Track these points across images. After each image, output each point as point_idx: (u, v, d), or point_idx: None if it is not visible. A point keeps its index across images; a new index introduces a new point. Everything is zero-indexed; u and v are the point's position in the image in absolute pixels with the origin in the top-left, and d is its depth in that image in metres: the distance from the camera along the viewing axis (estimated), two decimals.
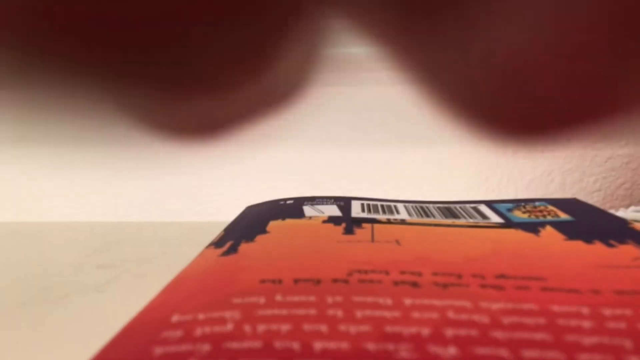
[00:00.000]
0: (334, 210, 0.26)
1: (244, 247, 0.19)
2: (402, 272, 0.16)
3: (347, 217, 0.24)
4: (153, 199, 0.43)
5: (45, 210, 0.44)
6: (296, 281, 0.15)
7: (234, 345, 0.11)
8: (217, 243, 0.21)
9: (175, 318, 0.13)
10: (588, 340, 0.11)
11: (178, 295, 0.15)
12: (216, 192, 0.44)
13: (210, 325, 0.13)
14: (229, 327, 0.12)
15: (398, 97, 0.40)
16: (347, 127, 0.41)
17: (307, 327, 0.12)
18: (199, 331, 0.12)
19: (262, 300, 0.14)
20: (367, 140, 0.41)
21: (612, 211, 0.26)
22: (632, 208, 0.29)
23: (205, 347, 0.11)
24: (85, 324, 0.19)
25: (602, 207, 0.31)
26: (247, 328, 0.12)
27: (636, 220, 0.23)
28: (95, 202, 0.44)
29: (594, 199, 0.36)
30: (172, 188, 0.43)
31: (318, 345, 0.11)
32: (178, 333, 0.12)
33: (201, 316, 0.13)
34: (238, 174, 0.43)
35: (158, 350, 0.12)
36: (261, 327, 0.12)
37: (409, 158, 0.41)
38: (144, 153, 0.43)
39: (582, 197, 0.39)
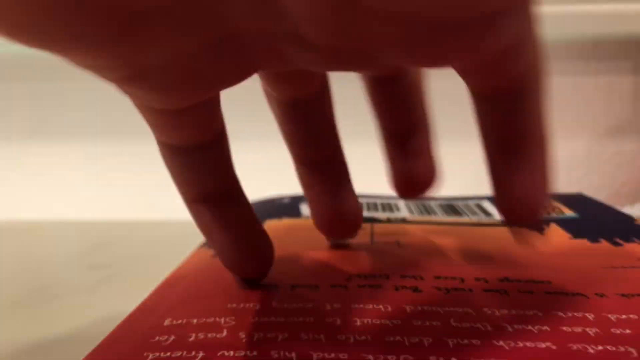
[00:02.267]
0: None
1: None
2: (403, 276, 0.16)
3: None
4: (145, 197, 0.43)
5: (35, 208, 0.43)
6: (293, 287, 0.15)
7: (230, 353, 0.11)
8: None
9: (167, 321, 0.13)
10: (593, 349, 0.11)
11: (170, 298, 0.15)
12: None
13: (204, 331, 0.12)
14: (224, 333, 0.12)
15: None
16: (345, 121, 0.41)
17: (304, 335, 0.12)
18: (192, 337, 0.12)
19: (257, 306, 0.14)
20: (366, 134, 0.41)
21: (617, 208, 0.25)
22: (639, 205, 0.29)
23: (200, 355, 0.11)
24: (75, 325, 0.19)
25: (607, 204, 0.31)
26: (242, 335, 0.12)
27: None
28: (87, 199, 0.43)
29: (599, 196, 0.35)
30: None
31: (316, 356, 0.11)
32: (171, 338, 0.12)
33: (195, 321, 0.13)
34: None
35: (150, 355, 0.11)
36: (257, 335, 0.12)
37: None
38: (137, 149, 0.42)
39: (587, 194, 0.38)
